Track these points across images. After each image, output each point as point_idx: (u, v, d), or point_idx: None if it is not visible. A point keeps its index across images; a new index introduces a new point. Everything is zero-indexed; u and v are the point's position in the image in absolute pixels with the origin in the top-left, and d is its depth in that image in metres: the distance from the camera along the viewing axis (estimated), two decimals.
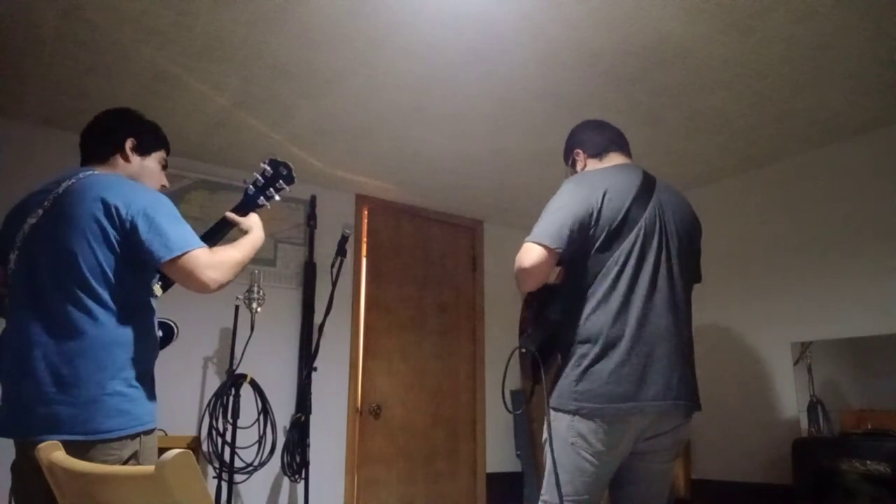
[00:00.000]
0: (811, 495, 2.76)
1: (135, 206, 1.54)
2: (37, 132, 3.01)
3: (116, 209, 1.53)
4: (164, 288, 1.85)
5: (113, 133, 1.75)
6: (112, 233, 1.53)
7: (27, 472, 1.46)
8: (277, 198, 1.95)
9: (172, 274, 1.57)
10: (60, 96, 2.77)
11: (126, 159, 1.74)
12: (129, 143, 1.74)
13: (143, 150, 1.77)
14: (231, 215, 1.88)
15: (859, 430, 2.84)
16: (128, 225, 1.53)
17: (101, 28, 2.29)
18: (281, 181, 1.95)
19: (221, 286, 1.60)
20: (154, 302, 1.72)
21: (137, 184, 1.67)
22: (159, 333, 1.78)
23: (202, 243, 1.59)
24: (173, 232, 1.55)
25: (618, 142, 2.09)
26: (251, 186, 1.93)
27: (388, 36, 2.35)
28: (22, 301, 1.56)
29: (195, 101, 2.81)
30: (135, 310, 1.59)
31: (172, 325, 1.99)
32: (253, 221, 1.87)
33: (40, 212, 1.60)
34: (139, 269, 1.60)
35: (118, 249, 1.54)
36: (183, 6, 2.17)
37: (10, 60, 2.49)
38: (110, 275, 1.54)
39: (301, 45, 2.41)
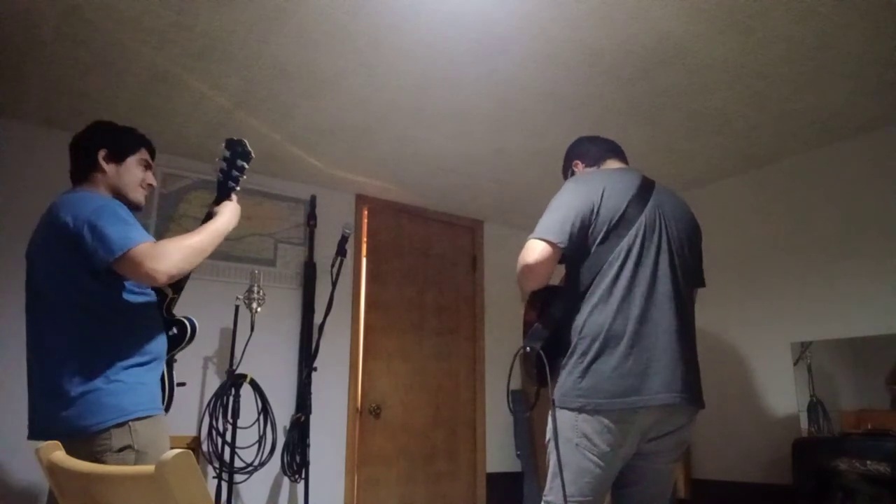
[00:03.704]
0: (811, 495, 2.76)
1: (80, 217, 1.61)
2: (37, 132, 3.01)
3: (65, 225, 1.62)
4: (176, 290, 1.89)
5: (85, 150, 1.82)
6: (66, 248, 1.62)
7: None
8: (244, 177, 1.93)
9: (123, 273, 1.62)
10: (60, 96, 2.77)
11: (102, 171, 1.80)
12: (101, 154, 1.80)
13: (116, 156, 1.82)
14: (214, 209, 1.88)
15: (859, 430, 2.84)
16: (77, 238, 1.60)
17: (101, 28, 2.29)
18: (239, 160, 1.92)
19: (173, 277, 1.61)
20: (140, 299, 1.75)
21: (89, 195, 1.72)
22: (173, 331, 1.87)
23: (147, 238, 1.62)
24: (114, 233, 1.59)
25: (615, 150, 2.15)
26: (219, 173, 1.92)
27: (388, 36, 2.35)
28: (27, 314, 1.73)
29: (195, 101, 2.81)
30: (111, 314, 1.67)
31: (187, 322, 1.98)
32: (224, 207, 1.87)
33: (37, 236, 1.76)
34: (106, 276, 1.65)
35: (77, 262, 1.62)
36: (183, 6, 2.17)
37: (10, 60, 2.49)
38: (78, 287, 1.64)
39: (301, 45, 2.41)
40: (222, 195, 1.90)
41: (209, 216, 1.86)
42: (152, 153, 1.92)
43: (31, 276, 1.74)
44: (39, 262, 1.71)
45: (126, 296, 1.71)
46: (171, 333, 1.88)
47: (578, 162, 2.14)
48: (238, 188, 1.92)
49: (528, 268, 1.82)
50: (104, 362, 1.62)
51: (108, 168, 1.80)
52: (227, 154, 1.91)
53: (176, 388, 1.94)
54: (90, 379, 1.59)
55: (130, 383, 1.64)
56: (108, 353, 1.63)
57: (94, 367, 1.60)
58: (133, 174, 1.84)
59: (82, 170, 1.82)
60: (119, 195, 1.80)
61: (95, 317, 1.65)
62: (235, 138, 1.93)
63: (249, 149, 1.92)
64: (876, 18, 2.23)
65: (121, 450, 1.56)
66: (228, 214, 1.84)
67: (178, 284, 1.87)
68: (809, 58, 2.46)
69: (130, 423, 1.59)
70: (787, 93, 2.72)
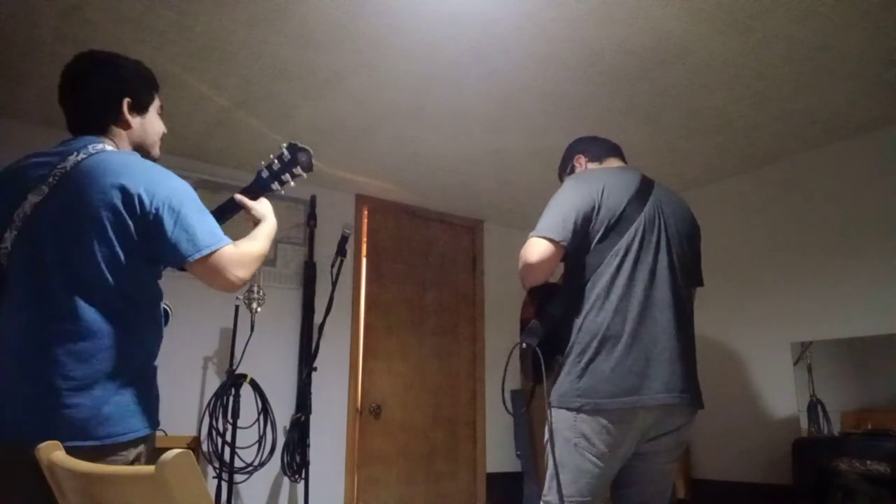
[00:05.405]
0: (811, 495, 2.76)
1: (159, 196, 1.39)
2: (37, 132, 3.01)
3: (140, 199, 1.37)
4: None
5: (104, 96, 1.55)
6: (132, 226, 1.37)
7: (8, 474, 1.34)
8: (293, 184, 1.79)
9: (198, 273, 1.43)
10: None
11: (127, 126, 1.55)
12: (125, 106, 1.55)
13: (140, 106, 1.59)
14: (240, 198, 1.73)
15: (859, 430, 2.84)
16: (151, 218, 1.37)
17: (101, 28, 2.29)
18: (298, 168, 1.76)
19: (245, 283, 1.49)
20: (158, 290, 1.58)
21: (157, 168, 1.50)
22: None
23: (228, 238, 1.46)
24: (200, 227, 1.41)
25: (616, 150, 2.16)
26: (265, 169, 1.77)
27: (388, 36, 2.35)
28: (23, 293, 1.39)
29: (195, 101, 2.81)
30: (148, 306, 1.49)
31: (167, 308, 1.85)
32: (266, 208, 1.71)
33: (45, 189, 1.41)
34: (156, 264, 1.47)
35: (138, 243, 1.39)
36: (183, 6, 2.18)
37: (10, 60, 2.49)
38: (128, 271, 1.39)
39: (301, 45, 2.41)
40: (257, 191, 1.75)
41: (232, 202, 1.72)
42: (158, 92, 1.70)
43: (36, 246, 1.39)
44: (58, 237, 1.38)
45: (158, 289, 1.53)
46: None
47: (581, 157, 2.15)
48: (282, 192, 1.79)
49: (530, 266, 1.82)
50: (141, 364, 1.43)
51: (134, 122, 1.56)
52: (287, 156, 1.75)
53: None
54: (125, 382, 1.38)
55: (154, 390, 1.49)
56: (142, 355, 1.44)
57: (132, 368, 1.40)
58: (155, 126, 1.63)
59: (97, 119, 1.54)
60: (141, 151, 1.56)
61: (134, 310, 1.43)
62: (301, 145, 1.78)
63: (314, 162, 1.78)
64: (876, 18, 2.23)
65: (132, 463, 1.40)
66: (273, 219, 1.71)
67: None
68: (809, 58, 2.46)
69: (148, 437, 1.45)
70: (787, 93, 2.72)
